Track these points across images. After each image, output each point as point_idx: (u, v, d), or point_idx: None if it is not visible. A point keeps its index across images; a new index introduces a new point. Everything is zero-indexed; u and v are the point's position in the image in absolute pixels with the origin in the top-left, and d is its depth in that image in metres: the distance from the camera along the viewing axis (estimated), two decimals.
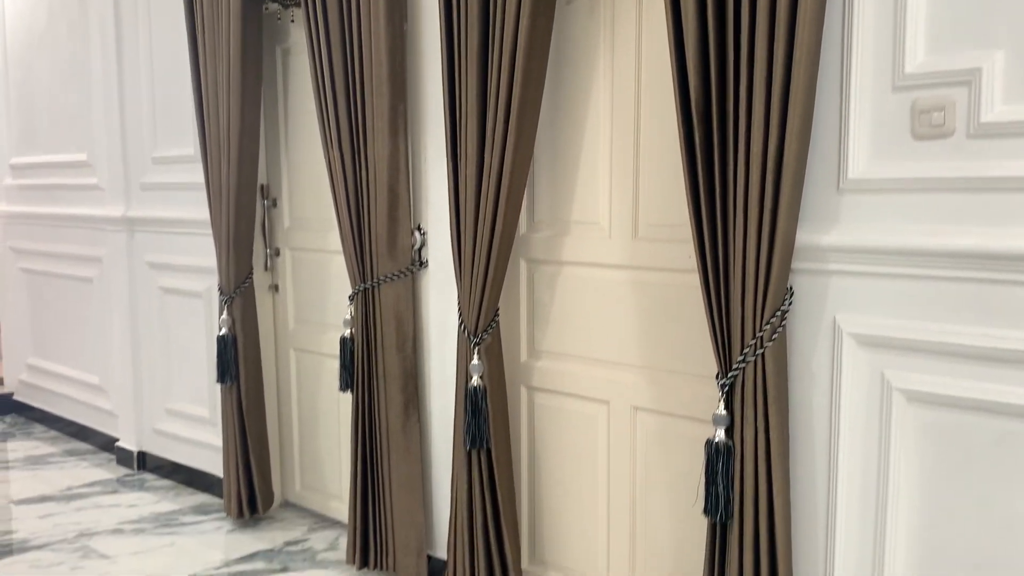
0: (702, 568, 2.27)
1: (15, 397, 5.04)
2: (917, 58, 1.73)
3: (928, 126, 1.72)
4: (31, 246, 4.68)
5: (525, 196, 2.52)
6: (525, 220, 2.59)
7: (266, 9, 3.16)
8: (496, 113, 2.31)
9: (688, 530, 2.30)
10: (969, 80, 1.67)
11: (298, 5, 3.03)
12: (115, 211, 3.96)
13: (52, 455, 4.28)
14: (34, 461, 4.18)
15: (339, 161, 2.76)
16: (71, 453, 4.31)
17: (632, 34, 2.28)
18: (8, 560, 3.04)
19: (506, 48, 2.26)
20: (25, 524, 3.38)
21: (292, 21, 3.18)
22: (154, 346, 3.89)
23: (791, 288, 1.91)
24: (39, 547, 3.16)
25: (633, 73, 2.29)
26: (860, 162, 1.82)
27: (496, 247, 2.39)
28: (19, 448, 4.39)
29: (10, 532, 3.30)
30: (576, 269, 2.49)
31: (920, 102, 1.73)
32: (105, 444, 4.32)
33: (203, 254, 3.56)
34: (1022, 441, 1.67)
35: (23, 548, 3.15)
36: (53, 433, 4.67)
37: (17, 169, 4.70)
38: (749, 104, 1.83)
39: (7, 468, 4.07)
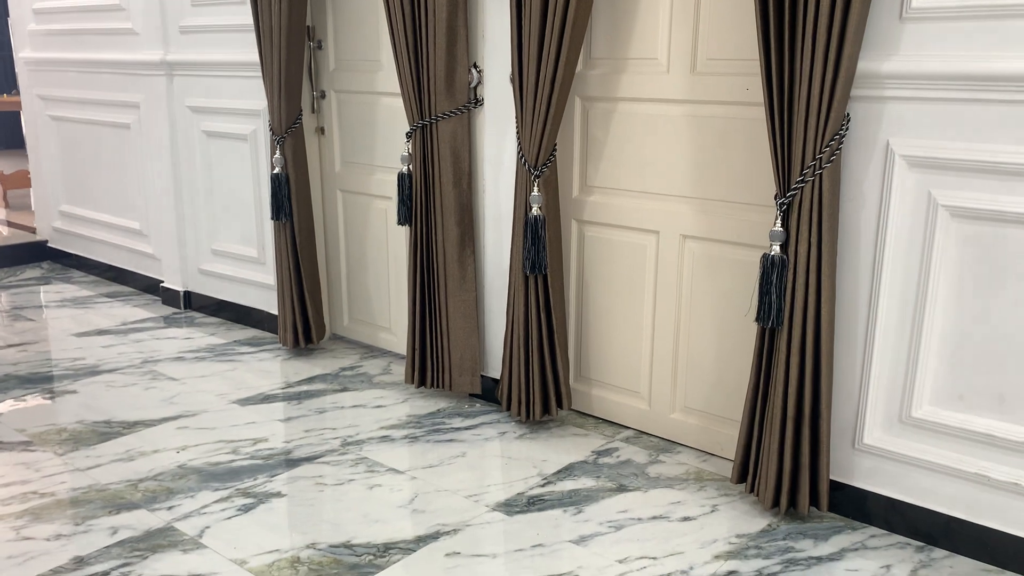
0: (744, 377, 2.52)
1: (50, 244, 5.18)
2: None
3: None
4: (61, 93, 4.71)
5: None
6: (582, 58, 2.70)
7: None
8: None
9: (730, 345, 2.54)
10: None
11: None
12: (153, 55, 3.99)
13: (95, 297, 4.46)
14: (80, 302, 4.37)
15: (397, 0, 2.83)
16: (113, 295, 4.50)
17: None
18: (85, 380, 3.27)
19: None
20: (91, 352, 3.60)
21: None
22: (197, 189, 4.02)
23: (848, 115, 2.07)
24: (110, 371, 3.39)
25: None
26: None
27: (559, 83, 2.51)
28: (62, 290, 4.57)
29: (79, 359, 3.52)
30: (632, 105, 2.62)
31: None
32: (147, 286, 4.51)
33: (248, 96, 3.64)
34: None
35: (95, 371, 3.37)
36: (92, 277, 4.84)
37: (41, 14, 4.67)
38: None
39: (56, 308, 4.26)
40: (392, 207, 3.37)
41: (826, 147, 2.03)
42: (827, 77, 1.98)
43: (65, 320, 4.05)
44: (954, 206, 1.98)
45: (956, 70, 1.90)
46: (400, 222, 3.03)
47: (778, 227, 2.13)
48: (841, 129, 2.03)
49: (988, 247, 1.96)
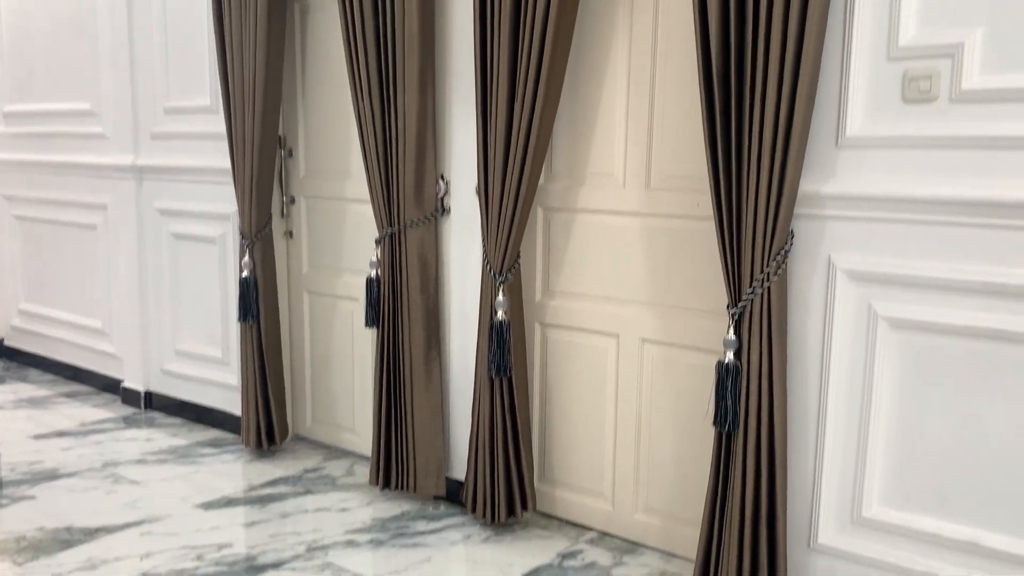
0: (704, 477, 2.60)
1: (6, 343, 5.14)
2: (909, 33, 2.04)
3: (917, 92, 2.04)
4: (27, 193, 4.76)
5: None
6: (544, 171, 2.85)
7: None
8: (527, 73, 2.55)
9: (689, 445, 2.63)
10: (952, 53, 1.98)
11: None
12: (123, 159, 4.08)
13: (53, 396, 4.42)
14: (37, 402, 4.32)
15: (369, 113, 2.97)
16: (72, 395, 4.46)
17: (650, 2, 2.54)
18: (43, 485, 3.23)
19: (538, 14, 2.50)
20: (49, 455, 3.56)
21: None
22: (163, 290, 4.06)
23: (792, 231, 2.22)
24: (69, 475, 3.35)
25: (650, 37, 2.55)
26: (857, 122, 2.12)
27: (522, 195, 2.65)
28: (18, 390, 4.52)
29: (37, 463, 3.47)
30: (591, 216, 2.77)
31: (910, 71, 2.04)
32: (106, 386, 4.48)
33: (218, 201, 3.74)
34: (986, 358, 2.02)
35: (54, 475, 3.33)
36: (49, 376, 4.80)
37: (11, 117, 4.76)
38: (765, 69, 2.11)
39: (12, 408, 4.20)
40: (358, 308, 3.45)
41: (773, 261, 2.17)
42: (771, 197, 2.14)
43: (22, 421, 4.00)
44: (892, 317, 2.13)
45: (888, 193, 2.08)
46: (368, 324, 3.11)
47: (731, 335, 2.25)
48: (786, 245, 2.18)
49: (925, 355, 2.10)
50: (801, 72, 2.06)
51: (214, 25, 3.41)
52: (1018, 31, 1.90)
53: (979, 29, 1.95)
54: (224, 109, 3.45)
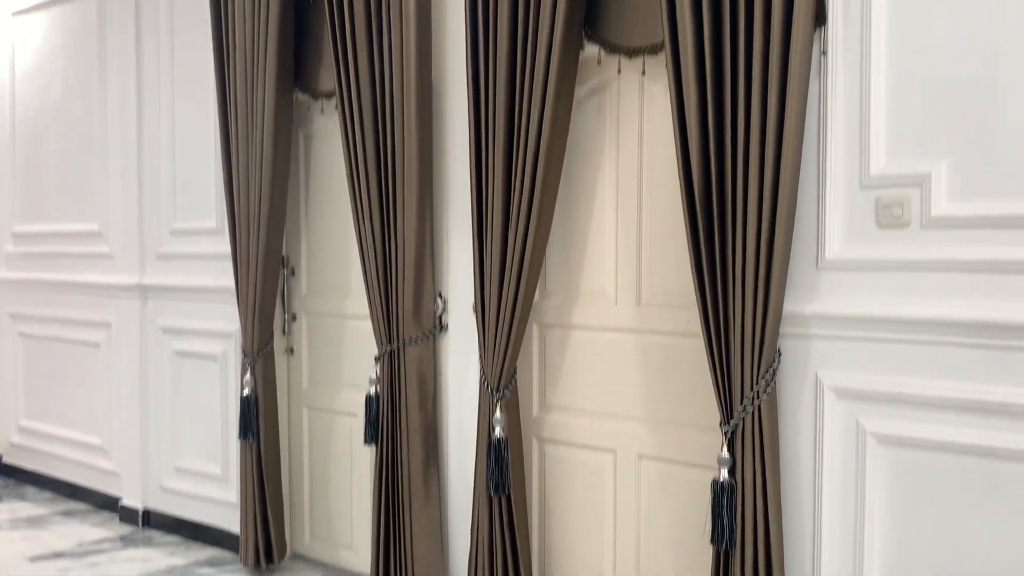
0: None
1: (5, 460, 5.13)
2: (880, 163, 2.16)
3: (890, 218, 2.15)
4: (32, 311, 4.85)
5: None
6: (538, 289, 2.94)
7: (297, 99, 3.50)
8: (520, 197, 2.68)
9: (688, 563, 2.63)
10: (921, 182, 2.10)
11: (327, 97, 3.39)
12: (128, 279, 4.19)
13: (50, 515, 4.39)
14: (34, 521, 4.30)
15: (369, 233, 3.09)
16: (69, 513, 4.43)
17: (635, 130, 2.69)
18: None
19: (530, 141, 2.64)
20: None
21: (322, 112, 3.53)
22: (164, 407, 4.10)
23: (779, 349, 2.30)
24: None
25: (636, 162, 2.69)
26: (835, 245, 2.23)
27: (518, 311, 2.73)
28: (15, 509, 4.49)
29: None
30: (585, 333, 2.85)
31: (882, 198, 2.15)
32: (104, 503, 4.46)
33: (221, 319, 3.82)
34: (974, 474, 2.06)
35: None
36: (47, 494, 4.77)
37: (20, 237, 4.89)
38: (744, 196, 2.23)
39: (9, 528, 4.18)
40: (357, 424, 3.49)
41: (762, 379, 2.24)
42: (757, 317, 2.23)
43: (19, 542, 3.97)
44: (880, 433, 2.18)
45: (867, 314, 2.16)
46: (367, 442, 3.14)
47: (725, 454, 2.30)
48: (774, 363, 2.25)
49: (915, 472, 2.14)
50: (779, 199, 2.18)
51: (222, 149, 3.57)
52: (978, 162, 2.03)
53: (944, 160, 2.07)
54: (229, 230, 3.58)
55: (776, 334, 2.24)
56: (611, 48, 2.63)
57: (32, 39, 4.73)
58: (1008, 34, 1.99)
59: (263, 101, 3.37)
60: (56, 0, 4.56)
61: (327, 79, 3.37)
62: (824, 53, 2.23)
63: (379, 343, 3.12)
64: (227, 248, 3.75)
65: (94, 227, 4.41)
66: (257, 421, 3.50)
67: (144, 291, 4.15)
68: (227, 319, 3.80)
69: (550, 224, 2.75)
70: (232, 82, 3.50)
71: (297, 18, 3.43)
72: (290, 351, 3.75)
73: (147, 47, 4.06)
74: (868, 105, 2.16)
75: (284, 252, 3.71)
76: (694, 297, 2.57)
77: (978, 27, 2.02)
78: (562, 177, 2.82)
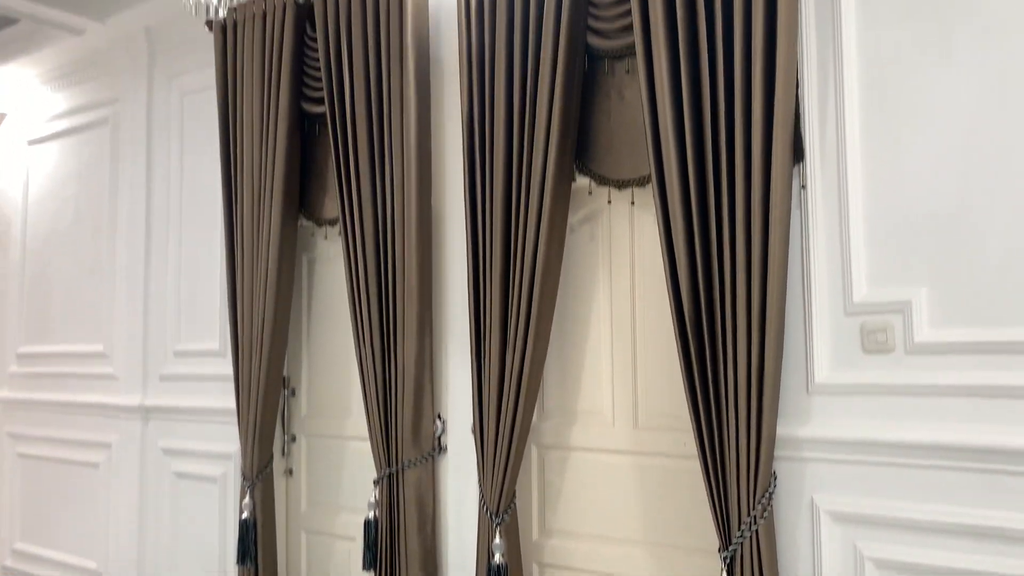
0: None
1: None
2: (862, 290, 2.25)
3: (875, 343, 2.21)
4: (32, 431, 4.86)
5: None
6: (536, 409, 2.98)
7: (301, 225, 3.63)
8: (517, 319, 2.75)
9: None
10: (903, 309, 2.18)
11: (331, 224, 3.51)
12: (131, 400, 4.23)
13: None
14: None
15: (369, 356, 3.15)
16: None
17: (627, 256, 2.79)
18: None
19: (526, 266, 2.74)
20: None
21: (325, 238, 3.65)
22: (161, 529, 4.06)
23: (775, 473, 2.33)
24: None
25: (629, 287, 2.78)
26: (824, 370, 2.29)
27: (516, 433, 2.77)
28: None
29: None
30: (583, 454, 2.87)
31: (867, 324, 2.23)
32: None
33: (221, 441, 3.84)
34: None
35: None
36: None
37: (24, 358, 4.95)
38: (734, 323, 2.30)
39: None
40: (355, 549, 3.46)
41: (758, 503, 2.25)
42: (751, 441, 2.26)
43: None
44: (878, 558, 2.18)
45: (858, 438, 2.20)
46: (365, 567, 3.12)
47: None
48: (770, 487, 2.27)
49: None
50: (767, 325, 2.25)
51: (227, 272, 3.66)
52: (956, 290, 2.11)
53: (923, 288, 2.16)
54: (232, 352, 3.64)
55: (771, 457, 2.27)
56: (601, 180, 2.76)
57: (46, 166, 4.92)
58: (975, 169, 2.11)
59: (269, 228, 3.49)
60: (71, 130, 4.77)
61: (331, 207, 3.51)
62: (804, 186, 2.34)
63: (378, 466, 3.13)
64: (229, 369, 3.81)
65: (99, 348, 4.48)
66: (255, 546, 3.47)
67: (146, 412, 4.18)
68: (227, 440, 3.82)
69: (547, 346, 2.82)
70: (239, 209, 3.64)
71: (303, 148, 3.59)
72: (289, 472, 3.75)
73: (157, 174, 4.22)
74: (848, 235, 2.26)
75: (285, 373, 3.76)
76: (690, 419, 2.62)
77: (947, 163, 2.14)
78: (558, 301, 2.90)
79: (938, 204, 2.15)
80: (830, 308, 2.29)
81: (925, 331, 2.15)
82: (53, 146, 4.89)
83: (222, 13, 2.15)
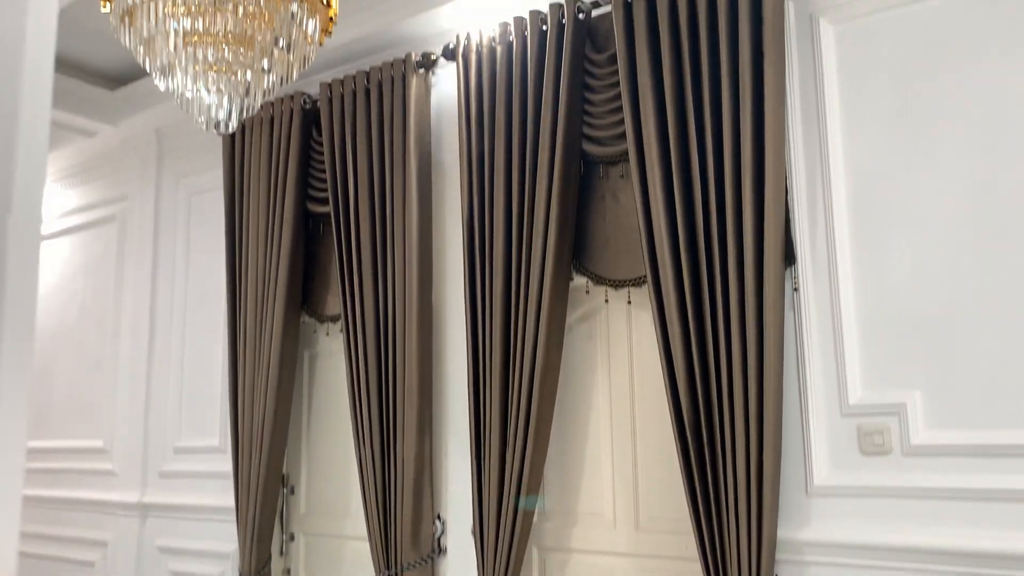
0: None
1: None
2: (857, 393, 2.27)
3: (871, 445, 2.23)
4: (26, 528, 4.80)
5: None
6: (537, 510, 2.97)
7: (303, 321, 3.68)
8: (517, 418, 2.77)
9: None
10: (898, 411, 2.20)
11: (333, 320, 3.56)
12: (129, 497, 4.20)
13: None
14: None
15: (369, 455, 3.15)
16: None
17: (625, 355, 2.82)
18: None
19: (525, 364, 2.77)
20: None
21: (327, 334, 3.70)
22: None
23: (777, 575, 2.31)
24: None
25: (628, 386, 2.80)
26: (823, 472, 2.29)
27: (517, 536, 2.75)
28: None
29: None
30: (585, 556, 2.84)
31: (863, 427, 2.25)
32: None
33: (219, 539, 3.80)
34: None
35: None
36: None
37: None
38: (732, 425, 2.32)
39: None
40: None
41: None
42: (752, 544, 2.25)
43: None
44: None
45: (858, 541, 2.20)
46: None
47: None
48: None
49: None
50: (765, 426, 2.27)
51: (229, 368, 3.69)
52: (950, 393, 2.14)
53: (917, 391, 2.18)
54: (232, 449, 3.64)
55: (772, 560, 2.25)
56: (598, 280, 2.81)
57: (55, 262, 5.00)
58: (963, 273, 2.16)
59: (271, 325, 3.54)
60: (80, 226, 4.87)
61: (333, 303, 3.56)
62: (796, 289, 2.40)
63: (377, 569, 3.10)
64: (229, 466, 3.79)
65: (99, 444, 4.47)
66: None
67: (144, 509, 4.15)
68: (226, 539, 3.78)
69: (547, 446, 2.82)
70: (243, 306, 3.69)
71: (306, 247, 3.66)
72: (287, 572, 3.70)
73: (162, 271, 4.29)
74: (841, 337, 2.30)
75: (284, 470, 3.75)
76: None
77: (935, 267, 2.20)
78: (557, 399, 2.92)
79: (928, 307, 2.20)
80: (827, 410, 2.31)
81: (921, 434, 2.16)
82: (64, 241, 4.99)
83: (232, 128, 2.23)
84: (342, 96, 3.43)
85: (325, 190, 3.53)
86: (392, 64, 3.29)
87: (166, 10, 2.03)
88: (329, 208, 3.46)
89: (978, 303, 2.13)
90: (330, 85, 3.47)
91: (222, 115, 2.20)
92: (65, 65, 4.01)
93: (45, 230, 5.10)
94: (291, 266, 3.56)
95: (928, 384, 2.17)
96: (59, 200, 5.02)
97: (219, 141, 3.97)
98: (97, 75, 4.13)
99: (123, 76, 4.09)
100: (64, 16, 3.46)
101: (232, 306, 3.75)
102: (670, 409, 2.42)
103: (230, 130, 2.23)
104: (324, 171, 3.52)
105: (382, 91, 3.33)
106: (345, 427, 3.58)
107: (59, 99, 4.06)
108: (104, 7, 2.18)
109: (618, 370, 2.84)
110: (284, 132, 3.61)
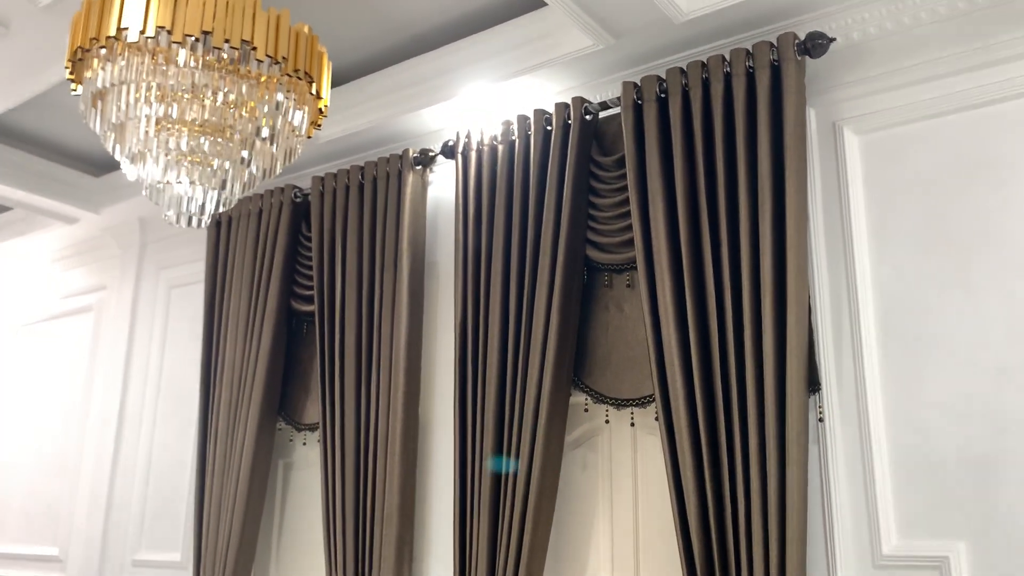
0: None
1: None
2: (891, 541, 2.01)
3: None
4: None
5: None
6: None
7: (279, 428, 3.41)
8: (506, 560, 2.48)
9: None
10: (940, 565, 1.93)
11: (311, 429, 3.29)
12: None
13: None
14: None
15: None
16: None
17: (629, 484, 2.56)
18: None
19: (518, 493, 2.50)
20: None
21: (304, 443, 3.42)
22: None
23: None
24: None
25: (632, 521, 2.52)
26: None
27: None
28: None
29: None
30: None
31: None
32: None
33: None
34: None
35: None
36: None
37: None
38: (750, 567, 2.05)
39: None
40: None
41: None
42: None
43: None
44: None
45: None
46: None
47: None
48: None
49: None
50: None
51: (196, 477, 3.41)
52: (999, 545, 1.88)
53: (961, 542, 1.93)
54: (194, 567, 3.31)
55: None
56: (598, 398, 2.57)
57: (26, 351, 4.75)
58: (1009, 409, 1.93)
59: (244, 431, 3.27)
60: (59, 314, 4.63)
61: (312, 411, 3.30)
62: (821, 419, 2.16)
63: None
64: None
65: (54, 551, 4.13)
66: None
67: None
68: None
69: None
70: (216, 406, 3.43)
71: (288, 347, 3.43)
72: None
73: (136, 366, 4.04)
74: (872, 476, 2.06)
75: None
76: None
77: (977, 401, 1.97)
78: (552, 530, 2.64)
79: (971, 448, 1.96)
80: (857, 560, 2.04)
81: None
82: (37, 328, 4.75)
83: (205, 223, 2.03)
84: (334, 191, 3.27)
85: (311, 288, 3.32)
86: (388, 160, 3.14)
87: (138, 95, 1.86)
88: (314, 307, 3.25)
89: None
90: (322, 179, 3.30)
91: (194, 208, 2.01)
92: (48, 149, 3.86)
93: (27, 319, 4.85)
94: (270, 367, 3.32)
95: (974, 535, 1.91)
96: (36, 289, 4.80)
97: (204, 233, 3.79)
98: (81, 160, 3.98)
99: (109, 162, 3.94)
100: (47, 98, 3.32)
101: (204, 406, 3.49)
102: (680, 554, 2.15)
103: (203, 225, 2.04)
104: (311, 268, 3.32)
105: (376, 187, 3.16)
106: (319, 546, 3.27)
107: (41, 184, 3.90)
108: (74, 89, 2.01)
109: (621, 502, 2.57)
110: (272, 226, 3.43)
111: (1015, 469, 1.90)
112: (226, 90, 1.89)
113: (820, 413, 2.16)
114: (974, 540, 1.91)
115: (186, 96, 1.86)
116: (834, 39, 2.28)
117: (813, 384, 2.16)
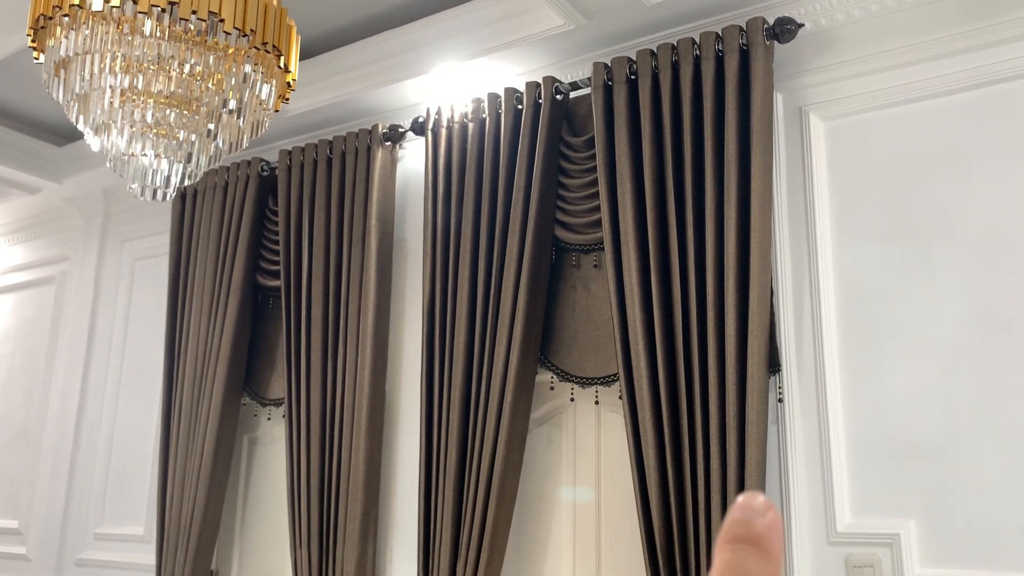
0: None
1: None
2: (846, 519, 2.06)
3: None
4: None
5: None
6: None
7: (244, 403, 3.40)
8: (470, 533, 2.51)
9: None
10: (891, 542, 1.99)
11: (277, 404, 3.29)
12: None
13: None
14: None
15: (306, 561, 2.86)
16: None
17: (592, 461, 2.59)
18: None
19: (483, 468, 2.53)
20: None
21: (269, 419, 3.42)
22: None
23: None
24: None
25: (594, 501, 2.56)
26: None
27: None
28: None
29: None
30: None
31: (852, 558, 2.03)
32: None
33: None
34: None
35: None
36: None
37: None
38: (708, 549, 2.09)
39: None
40: None
41: None
42: None
43: None
44: None
45: None
46: None
47: None
48: None
49: None
50: None
51: (160, 451, 3.39)
52: (947, 525, 1.94)
53: (911, 520, 1.98)
54: (157, 540, 3.31)
55: None
56: (564, 376, 2.60)
57: None
58: (963, 396, 1.98)
59: (209, 403, 3.25)
60: (15, 286, 4.56)
61: (277, 387, 3.29)
62: (780, 400, 2.20)
63: None
64: (152, 559, 3.45)
65: (14, 524, 4.09)
66: None
67: None
68: None
69: (502, 560, 2.56)
70: (180, 382, 3.41)
71: (254, 322, 3.41)
72: None
73: (99, 339, 3.99)
74: (829, 456, 2.11)
75: (213, 566, 3.41)
76: None
77: (932, 387, 2.02)
78: (516, 506, 2.67)
79: (925, 429, 2.01)
80: (812, 536, 2.10)
81: (916, 570, 1.95)
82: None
83: (170, 196, 2.01)
84: (302, 165, 3.24)
85: (278, 263, 3.30)
86: (357, 135, 3.12)
87: (102, 65, 1.83)
88: (280, 282, 3.23)
89: (980, 427, 1.95)
90: (290, 152, 3.28)
91: (159, 181, 1.99)
92: (9, 117, 3.77)
93: None
94: (235, 341, 3.30)
95: (924, 514, 1.97)
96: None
97: (169, 205, 3.75)
98: (44, 129, 3.90)
99: (71, 131, 3.86)
100: (9, 64, 3.25)
101: (168, 380, 3.47)
102: (640, 528, 2.19)
103: (167, 199, 2.01)
104: (278, 242, 3.30)
105: (344, 162, 3.15)
106: (284, 522, 3.28)
107: (1, 152, 3.82)
108: (37, 57, 1.97)
109: (584, 479, 2.61)
110: (238, 199, 3.40)
111: (965, 451, 1.96)
112: (193, 62, 1.87)
113: (780, 394, 2.21)
114: (924, 518, 1.97)
115: (152, 67, 1.83)
116: (802, 25, 2.30)
117: (773, 365, 2.21)
